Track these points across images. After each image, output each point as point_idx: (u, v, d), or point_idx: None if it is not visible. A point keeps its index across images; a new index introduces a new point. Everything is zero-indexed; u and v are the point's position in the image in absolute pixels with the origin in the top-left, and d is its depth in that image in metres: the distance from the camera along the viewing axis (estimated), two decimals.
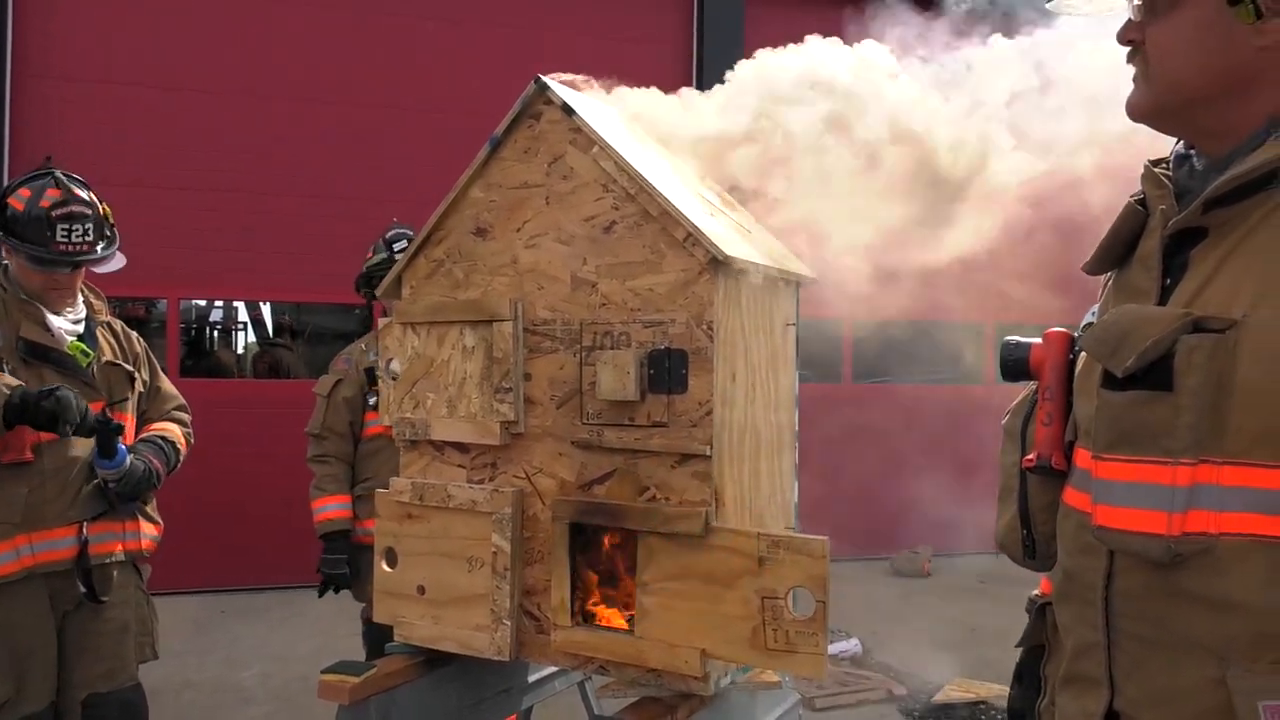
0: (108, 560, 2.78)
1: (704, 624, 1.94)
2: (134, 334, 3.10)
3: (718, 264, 1.95)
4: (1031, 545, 1.42)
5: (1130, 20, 1.22)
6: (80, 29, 6.99)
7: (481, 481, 2.26)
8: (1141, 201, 1.27)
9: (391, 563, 2.38)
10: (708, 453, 1.96)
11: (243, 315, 9.80)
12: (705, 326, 1.97)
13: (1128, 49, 1.24)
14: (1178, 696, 1.12)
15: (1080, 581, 1.24)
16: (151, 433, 2.96)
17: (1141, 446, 1.13)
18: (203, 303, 9.08)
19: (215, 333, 9.98)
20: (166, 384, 3.16)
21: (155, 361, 3.16)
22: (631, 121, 2.39)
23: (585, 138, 2.10)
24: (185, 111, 7.19)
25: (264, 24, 7.40)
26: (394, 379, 2.38)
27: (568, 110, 2.11)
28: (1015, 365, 1.48)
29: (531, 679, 2.61)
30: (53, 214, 2.68)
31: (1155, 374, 1.11)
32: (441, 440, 2.31)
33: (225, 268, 7.31)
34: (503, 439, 2.20)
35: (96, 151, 6.81)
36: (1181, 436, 1.09)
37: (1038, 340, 1.46)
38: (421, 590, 2.31)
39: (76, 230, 2.71)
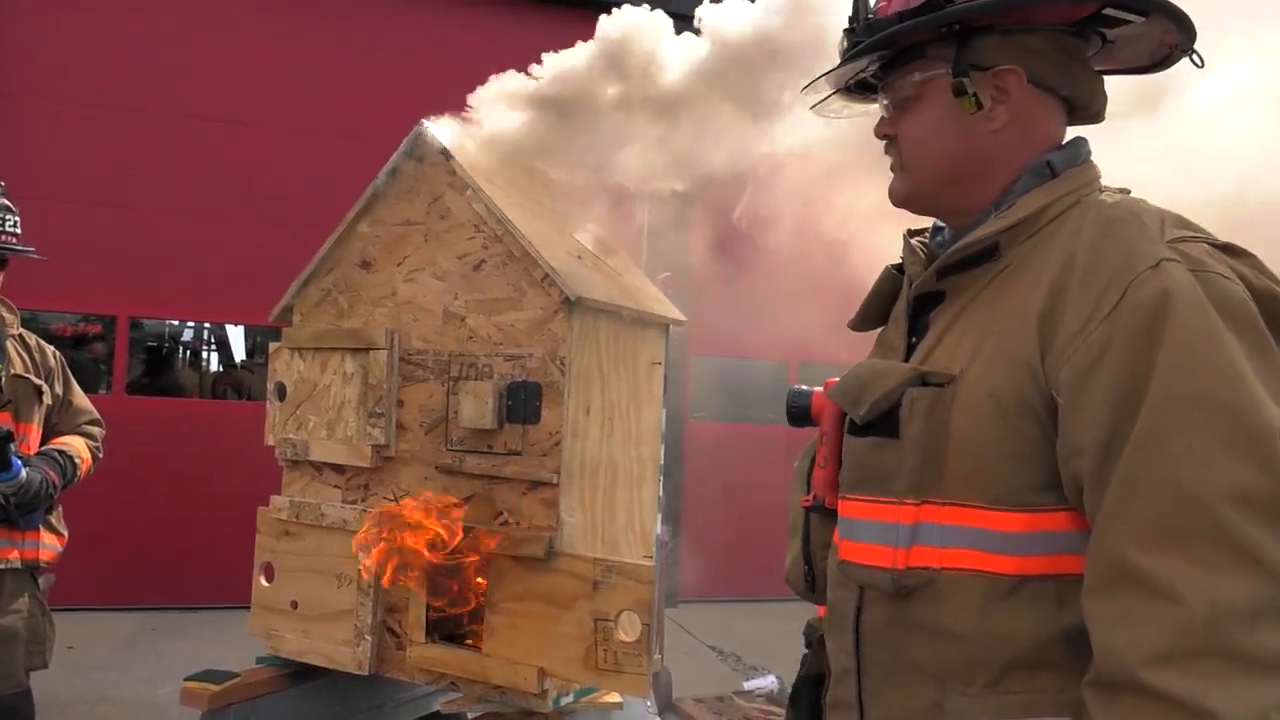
0: (1, 567, 2.85)
1: (543, 643, 2.05)
2: (49, 348, 3.18)
3: (570, 303, 2.08)
4: (812, 580, 1.53)
5: (884, 118, 1.37)
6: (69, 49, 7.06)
7: (354, 502, 2.36)
8: (899, 267, 1.41)
9: (269, 578, 2.47)
10: (555, 480, 2.08)
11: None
12: (558, 361, 2.10)
13: (884, 142, 1.38)
14: (907, 719, 1.23)
15: (838, 612, 1.35)
16: (51, 446, 3.03)
17: (875, 487, 1.24)
18: (174, 323, 9.14)
19: (186, 352, 10.07)
20: (79, 398, 3.23)
21: (70, 376, 3.24)
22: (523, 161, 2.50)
23: (461, 180, 2.24)
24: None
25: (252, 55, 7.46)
26: (281, 400, 2.49)
27: (445, 154, 2.25)
28: (799, 412, 1.61)
29: (407, 696, 2.69)
30: None
31: (886, 422, 1.22)
32: (320, 461, 2.41)
33: (182, 289, 7.34)
34: (374, 461, 2.31)
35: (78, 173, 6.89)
36: (905, 478, 1.20)
37: (820, 389, 1.59)
38: (294, 605, 2.40)
39: (9, 221, 2.85)
